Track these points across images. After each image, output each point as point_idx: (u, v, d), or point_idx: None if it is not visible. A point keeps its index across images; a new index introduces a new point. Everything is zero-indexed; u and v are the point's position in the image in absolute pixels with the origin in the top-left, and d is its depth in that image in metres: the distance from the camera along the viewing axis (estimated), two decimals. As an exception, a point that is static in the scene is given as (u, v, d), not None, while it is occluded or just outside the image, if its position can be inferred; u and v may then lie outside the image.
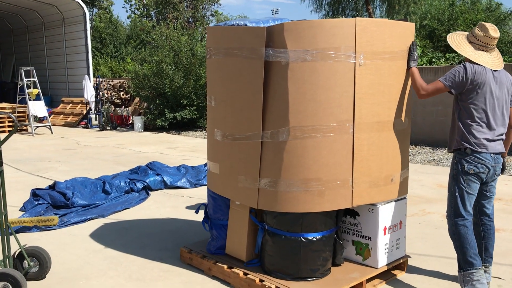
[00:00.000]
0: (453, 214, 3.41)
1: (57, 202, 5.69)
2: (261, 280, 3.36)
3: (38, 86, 14.62)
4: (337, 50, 3.04)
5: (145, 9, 35.47)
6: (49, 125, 14.53)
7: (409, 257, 3.87)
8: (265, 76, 3.16)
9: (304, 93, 3.08)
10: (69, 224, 5.11)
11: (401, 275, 3.69)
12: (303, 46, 3.04)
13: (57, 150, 10.76)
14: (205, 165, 7.34)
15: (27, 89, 14.31)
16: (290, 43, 3.05)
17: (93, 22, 31.45)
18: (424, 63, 15.38)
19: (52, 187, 6.01)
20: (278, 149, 3.16)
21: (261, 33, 3.13)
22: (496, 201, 5.83)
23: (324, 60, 3.04)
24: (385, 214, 3.51)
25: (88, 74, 18.00)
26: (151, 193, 6.45)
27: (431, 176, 7.43)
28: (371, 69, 3.15)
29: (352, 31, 3.05)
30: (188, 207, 5.76)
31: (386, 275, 3.64)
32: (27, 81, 14.39)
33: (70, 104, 18.15)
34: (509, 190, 6.41)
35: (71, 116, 17.37)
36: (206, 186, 6.39)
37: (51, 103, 20.56)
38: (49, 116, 16.01)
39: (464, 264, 3.33)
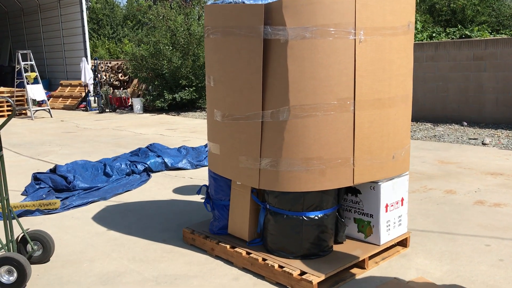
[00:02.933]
0: None
1: (58, 186, 5.70)
2: (264, 259, 3.38)
3: (36, 69, 14.52)
4: (337, 27, 2.99)
5: (142, -11, 34.98)
6: (48, 109, 14.49)
7: (411, 233, 3.88)
8: (264, 54, 3.12)
9: (304, 71, 3.04)
10: (71, 207, 5.12)
11: (404, 251, 3.71)
12: (302, 23, 2.99)
13: (57, 134, 10.74)
14: (206, 146, 7.33)
15: (25, 72, 14.22)
16: (289, 20, 3.00)
17: (89, 3, 31.07)
18: (424, 38, 15.24)
19: (53, 170, 6.01)
20: (279, 128, 3.14)
21: (259, 10, 3.08)
22: (497, 176, 5.84)
23: (323, 37, 3.00)
24: (387, 191, 3.51)
25: (86, 56, 17.87)
26: (152, 175, 6.45)
27: (432, 152, 7.42)
28: (371, 46, 3.11)
29: (352, 6, 2.99)
30: (190, 188, 5.77)
31: (388, 252, 3.66)
32: (25, 64, 14.29)
33: (69, 87, 18.05)
34: (511, 164, 6.41)
35: (70, 99, 17.30)
36: (207, 167, 6.39)
37: (49, 86, 20.46)
38: (48, 100, 15.95)
39: None
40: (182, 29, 14.12)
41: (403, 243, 3.76)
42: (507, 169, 6.15)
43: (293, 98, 3.07)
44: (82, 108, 16.52)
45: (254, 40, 3.13)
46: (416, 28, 15.79)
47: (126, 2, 34.10)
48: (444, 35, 15.87)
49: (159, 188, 5.85)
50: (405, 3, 3.28)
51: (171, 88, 14.07)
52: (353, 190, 3.60)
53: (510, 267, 3.40)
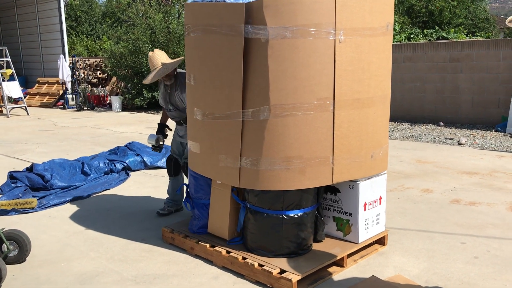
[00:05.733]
0: None
1: (35, 184, 5.60)
2: (244, 258, 3.38)
3: (12, 66, 14.25)
4: (317, 27, 3.02)
5: (121, -14, 34.61)
6: (25, 106, 14.23)
7: (389, 231, 3.93)
8: (245, 53, 3.12)
9: (285, 70, 3.05)
10: (48, 206, 5.05)
11: (382, 249, 3.76)
12: (283, 22, 3.00)
13: (34, 132, 10.56)
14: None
15: (0, 69, 13.94)
16: (270, 20, 3.01)
17: (67, 0, 30.63)
18: (402, 39, 15.43)
19: (30, 169, 5.91)
20: (259, 127, 3.15)
21: (240, 9, 3.08)
22: (472, 175, 5.96)
23: (304, 37, 3.02)
24: (365, 190, 3.55)
25: (64, 54, 17.60)
26: (131, 173, 6.40)
27: (409, 152, 7.53)
28: (351, 46, 3.14)
29: (332, 7, 3.02)
30: (169, 187, 5.73)
31: (366, 250, 3.70)
32: (0, 61, 14.00)
33: (46, 85, 17.76)
34: (485, 164, 6.55)
35: (47, 97, 17.03)
36: (186, 166, 6.29)
37: (26, 84, 20.10)
38: (25, 97, 15.66)
39: None
40: (162, 27, 14.03)
41: (381, 241, 3.81)
42: (482, 169, 6.28)
43: (274, 97, 3.08)
44: (60, 106, 16.27)
45: (235, 38, 3.13)
46: (394, 29, 15.99)
47: (105, -1, 33.70)
48: (421, 36, 16.10)
49: (138, 187, 5.81)
50: (384, 4, 3.32)
51: (150, 86, 13.95)
52: (332, 189, 3.64)
53: (485, 264, 3.48)
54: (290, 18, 3.00)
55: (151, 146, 4.92)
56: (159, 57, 4.27)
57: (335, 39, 3.06)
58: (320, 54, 3.06)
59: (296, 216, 3.35)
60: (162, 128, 4.94)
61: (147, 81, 4.29)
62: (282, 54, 3.04)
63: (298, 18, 3.00)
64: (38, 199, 5.17)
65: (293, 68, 3.05)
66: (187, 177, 4.44)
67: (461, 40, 11.66)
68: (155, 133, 4.91)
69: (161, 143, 4.86)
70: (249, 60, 3.14)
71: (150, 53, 4.33)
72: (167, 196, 4.81)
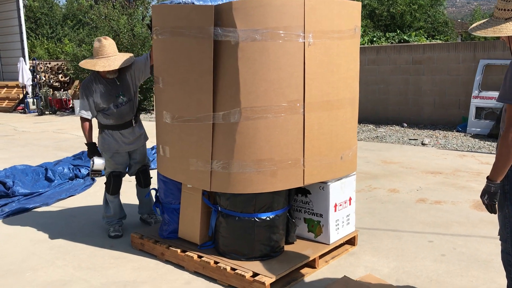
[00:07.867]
0: (511, 243, 2.52)
1: (-4, 192, 5.41)
2: (216, 262, 3.35)
3: (-32, 69, 13.74)
4: (286, 30, 3.02)
5: (82, -12, 33.93)
6: (-18, 111, 13.74)
7: (359, 231, 3.98)
8: (214, 56, 3.10)
9: (255, 73, 3.04)
10: (10, 214, 4.88)
11: (352, 250, 3.80)
12: (253, 25, 3.00)
13: (-7, 137, 10.20)
14: (153, 148, 7.20)
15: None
16: (239, 22, 3.00)
17: (26, 1, 29.79)
18: (365, 42, 15.72)
19: (-10, 176, 5.70)
20: (230, 130, 3.13)
21: (209, 11, 3.06)
22: (436, 174, 6.11)
23: (273, 39, 3.02)
24: (335, 191, 3.58)
25: (24, 57, 17.08)
26: (97, 179, 6.25)
27: (375, 152, 7.65)
28: (320, 49, 3.16)
29: (301, 10, 3.03)
30: (137, 192, 5.63)
31: (337, 251, 3.73)
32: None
33: (5, 88, 17.21)
34: (449, 163, 6.72)
35: (7, 101, 16.50)
36: (155, 170, 6.26)
37: (-17, 88, 19.40)
38: (-18, 102, 15.15)
39: None
40: (126, 30, 13.82)
41: (351, 241, 3.85)
42: (445, 168, 6.45)
43: (244, 100, 3.07)
44: (20, 111, 15.79)
45: (204, 41, 3.11)
46: (358, 32, 16.28)
47: (66, 1, 32.96)
48: (384, 39, 16.45)
49: (105, 192, 5.68)
50: (351, 7, 3.37)
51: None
52: (303, 191, 3.65)
53: (451, 261, 3.56)
54: (259, 21, 2.99)
55: (93, 172, 4.01)
56: (114, 46, 4.05)
57: (304, 42, 3.08)
58: (290, 56, 3.07)
59: (268, 218, 3.35)
60: (95, 148, 4.10)
61: (112, 67, 3.86)
62: (252, 57, 3.03)
63: (267, 20, 3.00)
64: (-1, 207, 4.99)
65: (263, 71, 3.05)
66: (143, 186, 4.35)
67: (423, 43, 11.96)
68: (90, 155, 4.07)
69: None
70: (218, 63, 3.12)
71: (104, 40, 4.00)
72: (110, 213, 4.26)
